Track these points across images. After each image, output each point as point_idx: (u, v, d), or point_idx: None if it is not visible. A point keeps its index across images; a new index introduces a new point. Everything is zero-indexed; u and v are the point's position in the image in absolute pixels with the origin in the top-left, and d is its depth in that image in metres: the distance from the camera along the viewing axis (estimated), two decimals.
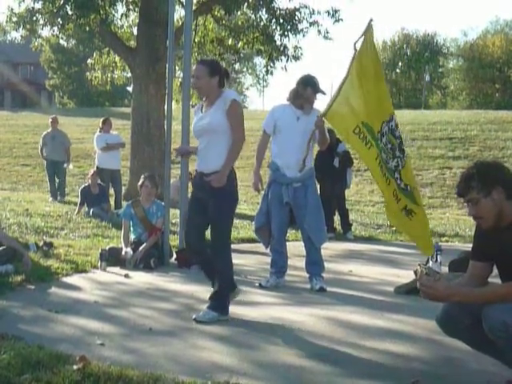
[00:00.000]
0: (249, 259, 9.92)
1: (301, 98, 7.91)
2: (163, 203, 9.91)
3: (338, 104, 7.48)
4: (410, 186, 7.70)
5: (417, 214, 7.76)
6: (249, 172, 21.03)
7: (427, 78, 72.81)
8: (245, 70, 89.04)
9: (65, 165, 17.97)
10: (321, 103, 8.04)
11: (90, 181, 14.74)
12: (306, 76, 8.02)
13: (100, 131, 16.23)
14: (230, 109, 6.20)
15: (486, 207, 4.35)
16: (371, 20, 7.60)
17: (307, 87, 7.88)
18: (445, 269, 8.50)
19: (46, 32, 19.93)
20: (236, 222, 14.32)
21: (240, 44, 19.66)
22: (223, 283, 6.44)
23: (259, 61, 73.69)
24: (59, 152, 17.74)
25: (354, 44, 7.51)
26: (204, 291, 7.18)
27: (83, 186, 15.18)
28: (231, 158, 6.27)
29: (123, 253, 9.38)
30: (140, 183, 9.96)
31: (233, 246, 10.04)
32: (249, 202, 19.88)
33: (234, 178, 6.37)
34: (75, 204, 15.67)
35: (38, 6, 17.76)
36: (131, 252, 9.31)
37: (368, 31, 7.57)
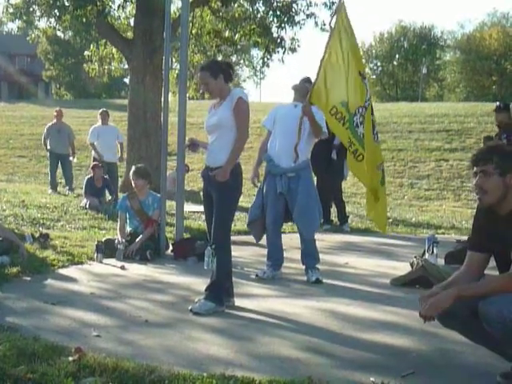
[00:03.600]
0: (245, 251, 9.92)
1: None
2: (159, 195, 9.91)
3: (318, 85, 7.56)
4: (381, 163, 8.06)
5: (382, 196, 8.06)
6: (245, 164, 21.11)
7: (424, 70, 72.80)
8: (242, 62, 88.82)
9: (70, 158, 18.03)
10: None
11: (92, 174, 14.69)
12: None
13: (103, 123, 16.29)
14: (235, 106, 6.39)
15: (494, 183, 4.33)
16: None
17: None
18: (441, 261, 8.53)
19: (42, 23, 19.88)
20: None
21: (237, 36, 19.61)
22: (221, 274, 6.47)
23: (256, 53, 73.51)
24: (65, 145, 17.81)
25: (329, 23, 7.57)
26: (200, 283, 7.21)
27: (89, 176, 15.09)
28: (234, 155, 6.41)
29: (116, 242, 9.37)
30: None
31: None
32: (245, 194, 19.81)
33: (238, 173, 6.52)
34: (73, 196, 15.65)
35: None
36: (122, 247, 9.30)
37: (340, 10, 7.60)
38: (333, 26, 7.61)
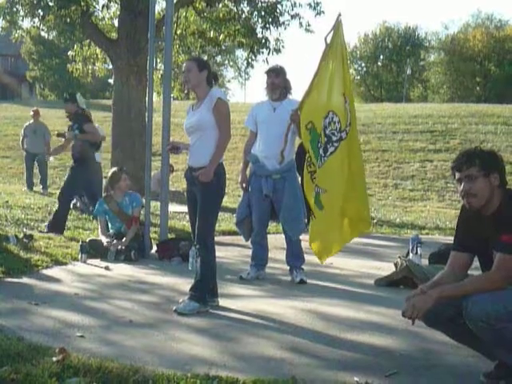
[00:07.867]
0: (229, 251, 9.92)
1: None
2: (135, 192, 9.88)
3: (308, 98, 7.51)
4: (320, 187, 7.41)
5: (316, 219, 7.46)
6: (229, 165, 21.11)
7: (408, 71, 73.04)
8: (226, 62, 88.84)
9: (46, 157, 17.97)
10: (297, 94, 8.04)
11: None
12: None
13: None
14: (215, 107, 6.43)
15: (481, 186, 4.37)
16: (339, 15, 7.63)
17: (266, 76, 8.05)
18: (425, 261, 8.56)
19: (26, 23, 19.81)
20: None
21: (221, 36, 19.58)
22: (205, 274, 6.48)
23: (241, 53, 73.45)
24: (40, 145, 17.87)
25: (325, 38, 7.51)
26: (184, 283, 7.20)
27: None
28: (217, 155, 6.45)
29: (105, 243, 9.34)
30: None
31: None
32: (230, 194, 19.87)
33: (222, 174, 6.56)
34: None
35: None
36: (113, 248, 9.23)
37: (338, 26, 7.55)
38: (328, 42, 7.53)
